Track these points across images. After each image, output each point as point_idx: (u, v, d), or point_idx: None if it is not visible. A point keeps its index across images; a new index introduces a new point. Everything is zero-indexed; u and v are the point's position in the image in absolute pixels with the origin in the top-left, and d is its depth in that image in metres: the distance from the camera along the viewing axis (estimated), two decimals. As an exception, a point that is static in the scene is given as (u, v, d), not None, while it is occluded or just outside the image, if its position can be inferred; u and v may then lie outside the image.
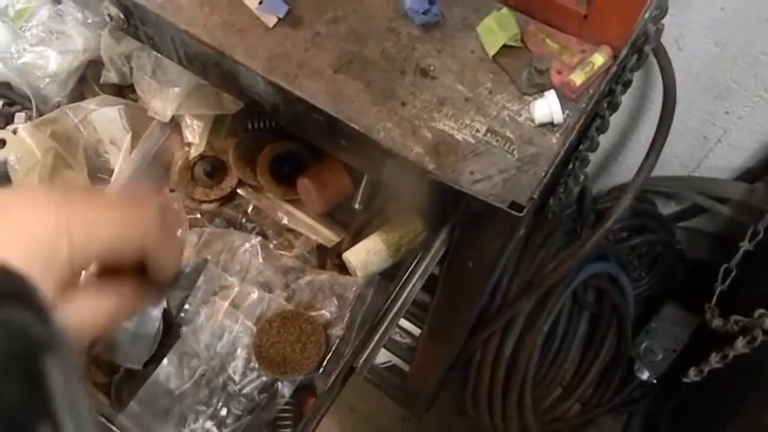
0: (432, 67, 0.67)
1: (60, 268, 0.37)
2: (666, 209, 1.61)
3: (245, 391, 0.68)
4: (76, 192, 0.39)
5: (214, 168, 0.81)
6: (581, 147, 1.27)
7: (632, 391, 1.63)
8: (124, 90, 0.85)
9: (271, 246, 0.77)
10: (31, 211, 0.37)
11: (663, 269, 1.68)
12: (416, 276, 0.70)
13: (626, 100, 1.35)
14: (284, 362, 0.68)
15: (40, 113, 0.78)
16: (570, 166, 1.36)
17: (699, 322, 1.58)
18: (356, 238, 0.78)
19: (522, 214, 0.60)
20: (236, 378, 0.68)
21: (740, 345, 0.97)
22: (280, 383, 0.69)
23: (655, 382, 1.60)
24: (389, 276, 0.77)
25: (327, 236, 0.78)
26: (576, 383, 1.63)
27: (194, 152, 0.81)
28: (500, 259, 0.76)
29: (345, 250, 0.77)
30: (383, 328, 0.68)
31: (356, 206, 0.79)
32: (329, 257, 0.78)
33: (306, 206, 0.78)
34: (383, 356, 1.43)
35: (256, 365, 0.69)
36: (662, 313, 1.64)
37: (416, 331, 1.09)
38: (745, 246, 1.17)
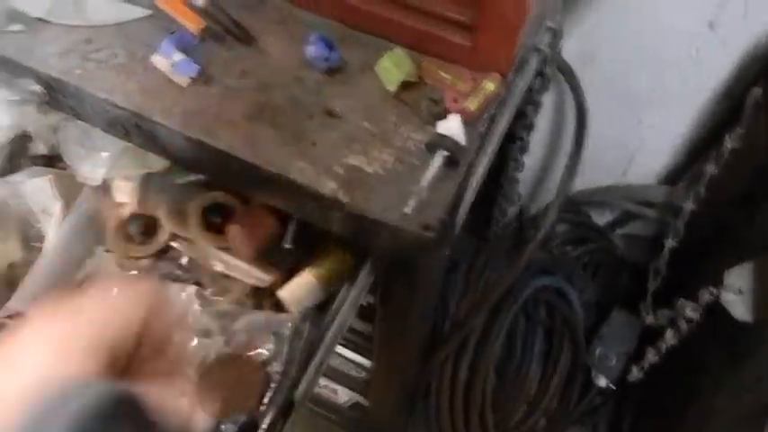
0: (338, 108, 0.72)
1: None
2: (602, 218, 1.68)
3: None
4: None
5: (146, 225, 0.84)
6: (508, 168, 1.34)
7: (593, 399, 1.68)
8: (53, 160, 0.88)
9: (206, 293, 0.80)
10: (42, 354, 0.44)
11: (605, 276, 1.75)
12: (346, 306, 0.74)
13: (547, 120, 1.43)
14: (226, 405, 0.70)
15: (-29, 191, 0.80)
16: (501, 188, 1.42)
17: (643, 324, 1.64)
18: (289, 275, 0.81)
19: (432, 235, 0.64)
20: (183, 424, 0.70)
21: (669, 337, 1.02)
22: (223, 426, 0.71)
23: (613, 387, 1.65)
24: (324, 309, 0.81)
25: (261, 277, 0.81)
26: (539, 398, 1.66)
27: (126, 212, 0.84)
28: (429, 283, 0.80)
29: (280, 289, 0.80)
30: (317, 359, 0.71)
31: (286, 245, 0.82)
32: (265, 298, 0.81)
33: (237, 252, 0.82)
34: (345, 395, 1.45)
35: (199, 411, 0.71)
36: (610, 319, 1.70)
37: (366, 363, 1.12)
38: (669, 244, 1.24)
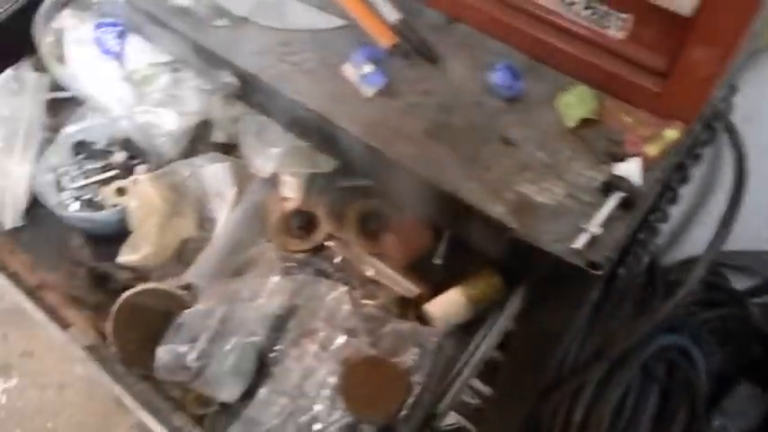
0: (514, 137, 0.73)
1: None
2: (739, 284, 1.59)
3: (329, 431, 0.73)
4: None
5: (306, 222, 0.88)
6: (651, 217, 1.30)
7: (706, 473, 1.59)
8: (229, 149, 0.95)
9: (355, 295, 0.83)
10: None
11: (735, 345, 1.65)
12: (495, 331, 0.75)
13: (698, 173, 1.38)
14: (368, 405, 0.72)
15: (158, 167, 0.88)
16: (641, 235, 1.38)
17: (772, 401, 1.54)
18: (435, 290, 0.83)
19: (599, 272, 0.64)
20: (322, 417, 0.73)
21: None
22: (362, 426, 0.73)
23: (730, 464, 1.55)
24: (467, 329, 0.82)
25: (409, 288, 0.83)
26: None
27: (289, 206, 0.89)
28: (573, 320, 0.79)
29: (425, 302, 0.82)
30: (463, 377, 0.73)
31: (436, 261, 0.84)
32: (410, 309, 0.83)
33: (389, 260, 0.84)
34: (451, 418, 1.45)
35: (341, 406, 0.73)
36: (735, 391, 1.60)
37: (485, 391, 1.11)
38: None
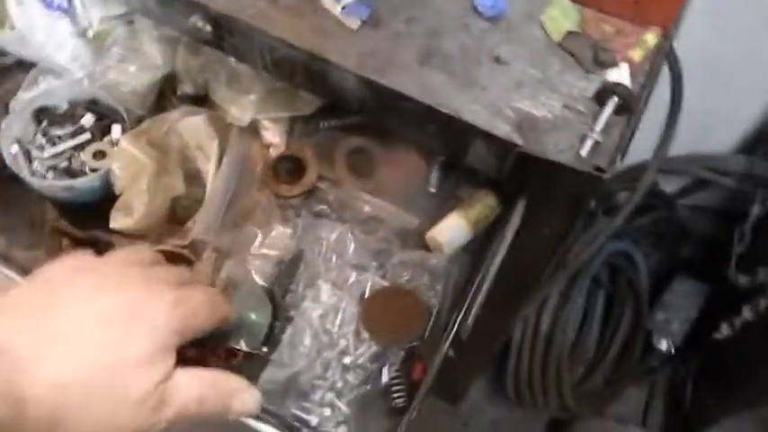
0: (504, 55, 0.75)
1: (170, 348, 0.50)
2: (669, 186, 1.71)
3: (358, 362, 0.74)
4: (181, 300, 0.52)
5: (294, 166, 0.87)
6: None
7: (652, 361, 1.73)
8: (199, 101, 0.91)
9: (356, 232, 0.83)
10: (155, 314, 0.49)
11: (668, 245, 1.78)
12: (501, 247, 0.77)
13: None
14: (393, 331, 0.74)
15: (131, 126, 0.83)
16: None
17: (709, 290, 1.68)
18: (433, 218, 0.85)
19: (607, 175, 0.68)
20: (350, 350, 0.75)
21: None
22: (389, 352, 0.75)
23: (673, 351, 1.70)
24: (468, 251, 0.85)
25: (408, 219, 0.84)
26: (598, 359, 1.72)
27: (274, 152, 0.87)
28: (571, 227, 0.83)
29: (425, 231, 0.84)
30: (481, 296, 0.75)
31: (430, 189, 0.86)
32: (410, 239, 0.85)
33: (383, 194, 0.85)
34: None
35: (366, 337, 0.75)
36: (673, 287, 1.74)
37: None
38: (756, 210, 1.27)
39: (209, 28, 0.79)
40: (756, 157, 1.43)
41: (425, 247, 0.84)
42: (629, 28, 0.75)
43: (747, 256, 1.29)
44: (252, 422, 0.70)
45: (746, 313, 1.15)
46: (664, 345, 1.70)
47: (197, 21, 0.78)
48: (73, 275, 0.49)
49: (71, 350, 0.45)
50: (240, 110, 0.87)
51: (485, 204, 0.83)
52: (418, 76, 0.73)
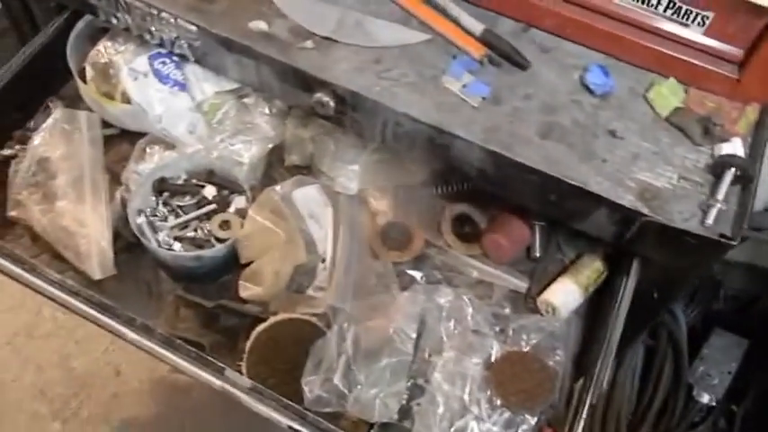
0: (618, 130, 0.80)
1: None
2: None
3: (493, 429, 0.76)
4: None
5: (402, 233, 0.90)
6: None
7: (694, 415, 1.75)
8: (304, 171, 0.94)
9: (469, 296, 0.86)
10: None
11: (703, 300, 1.83)
12: (623, 309, 0.81)
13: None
14: (524, 395, 0.76)
15: (251, 196, 0.85)
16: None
17: (748, 344, 1.72)
18: (540, 282, 0.88)
19: (735, 243, 0.72)
20: (483, 416, 0.76)
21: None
22: (520, 419, 0.77)
23: (714, 404, 1.72)
24: (580, 314, 0.88)
25: (517, 283, 0.87)
26: (642, 414, 1.73)
27: (381, 220, 0.90)
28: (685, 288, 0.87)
29: (535, 295, 0.87)
30: (611, 354, 0.78)
31: (536, 254, 0.89)
32: (520, 303, 0.88)
33: (492, 259, 0.88)
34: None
35: (498, 403, 0.77)
36: (711, 341, 1.78)
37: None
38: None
39: (332, 104, 0.82)
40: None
41: (537, 311, 0.86)
42: (728, 104, 0.81)
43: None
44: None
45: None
46: (705, 398, 1.72)
47: (322, 97, 0.82)
48: None
49: None
50: (346, 179, 0.91)
51: (593, 269, 0.86)
52: (541, 149, 0.77)
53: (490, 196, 0.87)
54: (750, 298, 1.81)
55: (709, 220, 0.72)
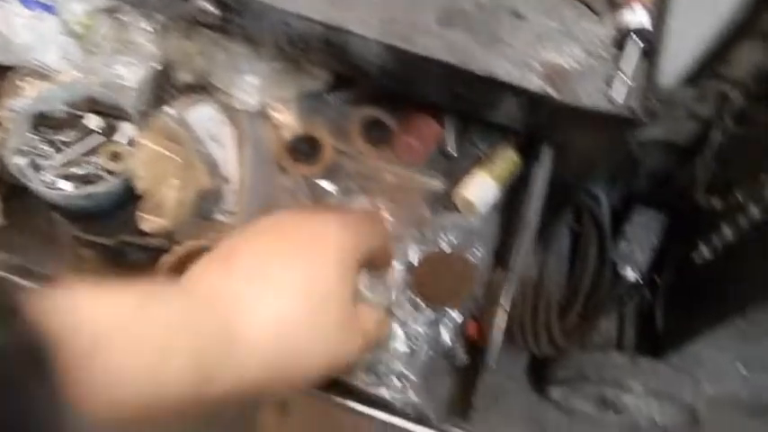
0: (521, 10, 0.76)
1: (354, 267, 0.54)
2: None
3: (419, 331, 0.75)
4: (347, 219, 0.57)
5: (310, 145, 0.85)
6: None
7: (620, 290, 1.82)
8: (199, 89, 0.87)
9: (385, 202, 0.83)
10: (333, 237, 0.53)
11: (623, 180, 1.87)
12: (535, 197, 0.80)
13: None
14: (447, 294, 0.75)
15: (139, 122, 0.79)
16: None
17: (666, 219, 1.78)
18: (457, 180, 0.85)
19: (642, 118, 0.71)
20: (407, 320, 0.75)
21: (755, 212, 1.14)
22: (446, 316, 0.76)
23: (639, 278, 1.79)
24: (497, 208, 0.86)
25: (434, 183, 0.85)
26: (572, 296, 1.79)
27: (287, 133, 0.85)
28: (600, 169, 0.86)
29: (452, 193, 0.85)
30: (525, 244, 0.77)
31: (450, 151, 0.87)
32: (439, 203, 0.86)
33: (406, 161, 0.85)
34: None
35: (423, 304, 0.76)
36: (632, 218, 1.83)
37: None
38: (715, 136, 1.35)
39: (215, 10, 0.75)
40: (704, 82, 1.50)
41: (455, 209, 0.84)
42: (632, -28, 0.77)
43: (713, 178, 1.36)
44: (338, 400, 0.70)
45: (728, 234, 1.22)
46: (630, 274, 1.79)
47: (202, 3, 0.75)
48: (261, 233, 0.54)
49: (275, 288, 0.48)
50: (246, 93, 0.85)
51: (507, 160, 0.84)
52: (442, 38, 0.73)
53: (399, 96, 0.83)
54: (667, 174, 1.86)
55: (615, 96, 0.70)
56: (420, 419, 0.71)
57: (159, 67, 0.85)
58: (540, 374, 1.91)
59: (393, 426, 0.75)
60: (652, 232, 1.84)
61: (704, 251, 1.32)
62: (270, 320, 0.47)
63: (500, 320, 0.74)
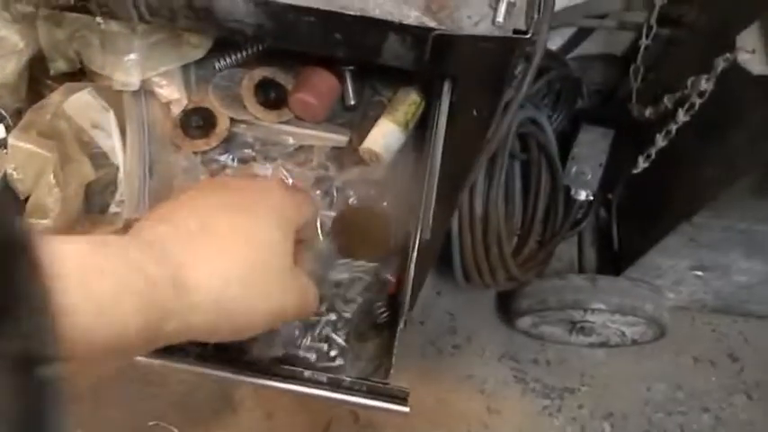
0: (389, -61, 0.71)
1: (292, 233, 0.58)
2: (553, 44, 1.74)
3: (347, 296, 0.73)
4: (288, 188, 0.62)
5: (203, 117, 0.81)
6: None
7: (575, 213, 1.81)
8: (76, 76, 0.82)
9: (289, 167, 0.80)
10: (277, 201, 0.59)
11: (567, 101, 1.84)
12: (438, 138, 0.76)
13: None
14: (365, 250, 0.73)
15: (11, 120, 0.74)
16: None
17: (613, 134, 1.77)
18: (361, 131, 0.82)
19: (528, 36, 0.67)
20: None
21: (681, 116, 1.12)
22: (363, 274, 0.74)
23: (592, 198, 1.79)
24: (404, 153, 0.83)
25: (337, 138, 0.81)
26: (527, 226, 1.78)
27: (177, 108, 0.81)
28: (501, 97, 0.83)
29: (358, 146, 0.81)
30: (432, 194, 0.75)
31: (351, 102, 0.83)
32: (345, 157, 0.82)
33: (306, 119, 0.81)
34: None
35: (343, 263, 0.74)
36: (579, 138, 1.81)
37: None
38: (644, 42, 1.32)
39: (68, -10, 0.70)
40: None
41: (363, 162, 0.81)
42: None
43: (646, 88, 1.34)
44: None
45: (660, 141, 1.21)
46: (582, 195, 1.78)
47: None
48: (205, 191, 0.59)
49: (222, 240, 0.51)
50: (125, 73, 0.80)
51: (409, 103, 0.81)
52: (309, -16, 0.68)
53: (290, 53, 0.79)
54: (610, 88, 1.83)
55: (500, 18, 0.67)
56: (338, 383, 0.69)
57: (29, 59, 0.79)
58: (506, 309, 1.93)
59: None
60: (600, 149, 1.84)
61: (640, 162, 1.32)
62: (217, 269, 0.49)
63: (411, 272, 0.71)
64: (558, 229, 1.81)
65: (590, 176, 1.80)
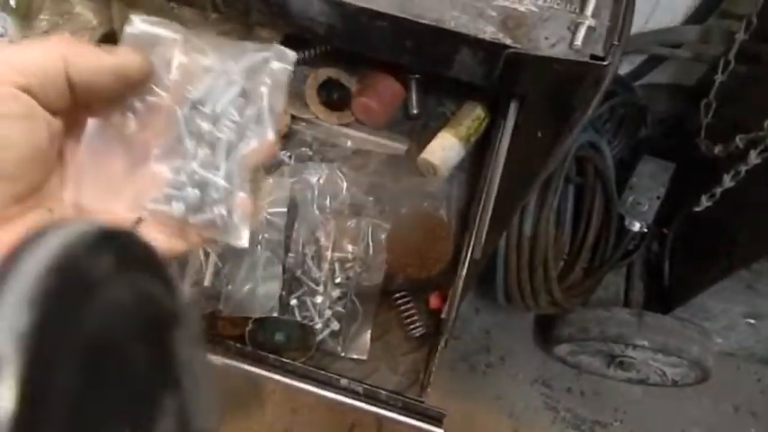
0: (472, -47, 0.69)
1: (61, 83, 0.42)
2: (621, 69, 1.70)
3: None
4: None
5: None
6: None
7: (627, 244, 1.76)
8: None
9: (345, 170, 0.79)
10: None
11: (630, 129, 1.79)
12: (500, 157, 0.74)
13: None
14: (423, 261, 0.71)
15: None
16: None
17: (675, 167, 1.71)
18: (421, 141, 0.80)
19: (606, 63, 0.65)
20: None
21: (753, 158, 1.07)
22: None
23: (646, 230, 1.73)
24: (463, 168, 0.81)
25: (396, 146, 0.80)
26: (576, 252, 1.74)
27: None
28: (570, 121, 0.80)
29: (416, 156, 0.80)
30: (488, 213, 0.72)
31: (413, 111, 0.81)
32: (403, 166, 0.81)
33: (366, 124, 0.80)
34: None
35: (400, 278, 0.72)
36: (639, 168, 1.76)
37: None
38: (719, 77, 1.27)
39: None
40: (710, 23, 1.41)
41: (419, 173, 0.80)
42: None
43: (716, 124, 1.29)
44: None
45: (727, 181, 1.16)
46: (636, 226, 1.73)
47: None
48: None
49: None
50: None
51: (473, 118, 0.79)
52: (387, -10, 0.67)
53: (358, 56, 0.78)
54: (676, 120, 1.78)
55: (578, 42, 0.64)
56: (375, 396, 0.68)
57: (100, 37, 0.80)
58: (545, 334, 1.88)
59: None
60: (659, 182, 1.78)
61: (703, 200, 1.26)
62: None
63: (459, 291, 0.69)
64: (608, 259, 1.76)
65: (646, 208, 1.75)
